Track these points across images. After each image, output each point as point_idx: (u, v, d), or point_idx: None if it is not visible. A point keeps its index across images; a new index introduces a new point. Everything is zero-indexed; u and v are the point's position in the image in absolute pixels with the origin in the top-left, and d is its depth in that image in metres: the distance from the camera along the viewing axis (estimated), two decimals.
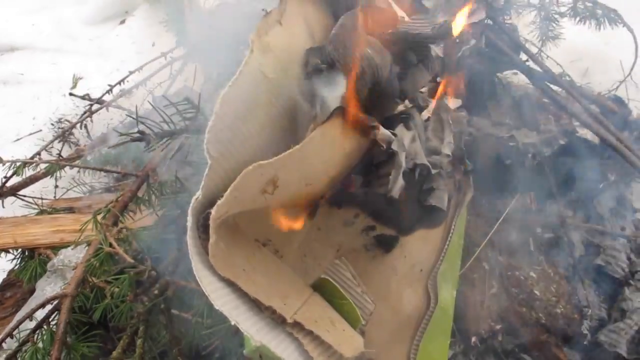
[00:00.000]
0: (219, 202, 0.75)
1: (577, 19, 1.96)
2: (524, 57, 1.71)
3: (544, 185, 1.66)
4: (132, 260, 1.17)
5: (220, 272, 0.78)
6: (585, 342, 1.53)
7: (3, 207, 1.82)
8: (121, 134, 1.25)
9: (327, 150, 0.96)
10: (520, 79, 2.35)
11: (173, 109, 1.29)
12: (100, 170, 1.48)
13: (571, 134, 1.69)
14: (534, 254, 1.59)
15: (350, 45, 0.98)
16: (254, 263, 0.89)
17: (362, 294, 1.01)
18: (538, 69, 1.69)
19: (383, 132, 1.00)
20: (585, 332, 1.60)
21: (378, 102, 1.07)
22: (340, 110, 0.94)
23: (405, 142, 1.07)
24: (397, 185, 1.05)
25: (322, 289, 0.98)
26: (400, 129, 1.07)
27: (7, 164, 1.71)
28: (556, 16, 1.98)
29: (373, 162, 1.09)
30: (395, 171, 1.04)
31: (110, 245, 1.20)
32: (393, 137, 1.02)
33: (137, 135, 1.25)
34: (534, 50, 2.05)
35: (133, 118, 1.29)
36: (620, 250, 1.76)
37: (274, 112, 0.92)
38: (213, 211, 0.75)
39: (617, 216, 1.84)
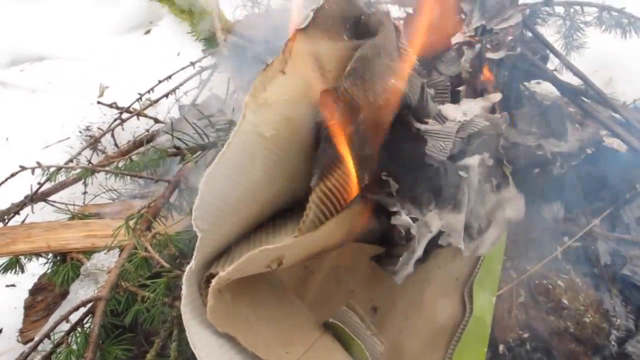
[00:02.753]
0: (220, 273, 0.75)
1: (603, 27, 1.97)
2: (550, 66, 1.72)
3: (572, 194, 1.66)
4: (167, 265, 1.19)
5: (220, 328, 0.79)
6: (613, 353, 1.52)
7: (33, 212, 1.86)
8: (157, 150, 1.29)
9: (340, 234, 0.94)
10: (543, 88, 2.35)
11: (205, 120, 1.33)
12: (135, 176, 1.51)
13: (598, 144, 1.69)
14: (561, 262, 1.59)
15: (371, 78, 0.93)
16: (261, 310, 0.89)
17: (372, 337, 0.99)
18: (565, 78, 1.70)
19: (403, 219, 0.96)
20: (613, 342, 1.59)
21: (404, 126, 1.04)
22: (360, 199, 0.91)
23: (434, 226, 1.02)
24: (403, 272, 1.00)
25: (333, 330, 0.99)
26: (430, 216, 1.02)
27: (39, 170, 1.76)
28: (581, 25, 1.98)
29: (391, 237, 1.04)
30: (406, 256, 0.99)
31: (146, 249, 1.22)
32: (412, 223, 0.97)
33: (173, 150, 1.28)
34: (557, 61, 2.06)
35: (167, 133, 1.33)
36: None
37: (271, 165, 0.87)
38: (214, 281, 0.75)
39: None
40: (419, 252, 1.00)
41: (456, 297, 1.18)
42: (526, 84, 1.84)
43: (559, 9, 1.97)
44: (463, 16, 1.60)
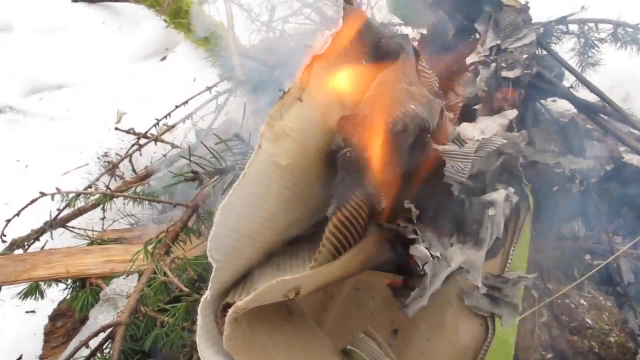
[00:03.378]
0: (238, 303, 0.75)
1: (618, 44, 1.96)
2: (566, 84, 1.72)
3: (592, 212, 1.64)
4: (187, 289, 1.19)
5: (237, 357, 0.77)
6: None
7: (52, 238, 1.88)
8: (175, 175, 1.30)
9: (357, 265, 0.93)
10: (559, 105, 2.34)
11: (222, 144, 1.34)
12: (153, 201, 1.52)
13: (617, 160, 1.67)
14: (583, 281, 1.57)
15: (391, 104, 0.92)
16: (279, 337, 0.88)
17: None
18: (581, 95, 1.70)
19: (421, 251, 0.94)
20: None
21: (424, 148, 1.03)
22: (376, 229, 0.90)
23: (455, 261, 1.00)
24: (416, 306, 0.98)
25: (351, 357, 0.97)
26: (452, 250, 1.01)
27: (58, 197, 1.78)
28: (596, 42, 1.98)
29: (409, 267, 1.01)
30: (418, 292, 0.97)
31: (165, 274, 1.22)
32: (430, 258, 0.94)
33: (191, 175, 1.29)
34: (573, 78, 2.05)
35: (185, 158, 1.34)
36: None
37: (288, 194, 0.85)
38: (231, 311, 0.75)
39: None
40: (437, 286, 0.98)
41: (479, 318, 1.16)
42: (542, 102, 1.83)
43: (573, 27, 1.96)
44: (477, 36, 1.60)
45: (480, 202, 1.03)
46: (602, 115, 1.65)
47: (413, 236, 0.93)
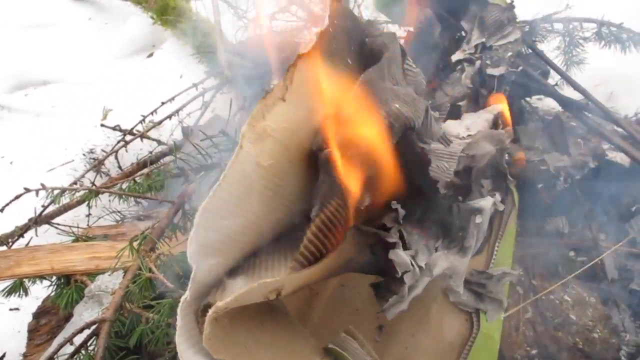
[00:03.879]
0: (218, 303, 0.74)
1: (602, 43, 1.98)
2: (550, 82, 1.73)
3: (576, 209, 1.66)
4: (172, 286, 1.19)
5: (216, 355, 0.77)
6: None
7: (37, 235, 1.86)
8: (161, 171, 1.29)
9: (337, 267, 0.93)
10: (544, 103, 2.36)
11: (208, 140, 1.33)
12: (139, 197, 1.51)
13: (601, 157, 1.69)
14: (567, 277, 1.58)
15: (375, 103, 0.91)
16: (260, 335, 0.88)
17: None
18: (565, 93, 1.71)
19: (400, 257, 0.92)
20: (623, 358, 1.57)
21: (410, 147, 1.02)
22: (355, 230, 0.89)
23: (438, 267, 0.99)
24: (394, 310, 0.97)
25: (333, 355, 0.97)
26: (436, 256, 1.00)
27: (43, 193, 1.76)
28: (581, 41, 2.00)
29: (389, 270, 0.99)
30: (397, 298, 0.96)
31: (150, 270, 1.22)
32: (410, 266, 0.93)
33: (177, 171, 1.29)
34: (558, 76, 2.07)
35: (171, 154, 1.33)
36: None
37: (269, 194, 0.85)
38: (211, 310, 0.74)
39: None
40: (417, 292, 0.97)
41: (462, 315, 1.16)
42: (527, 99, 1.85)
43: (558, 26, 1.98)
44: (463, 34, 1.61)
45: (467, 208, 1.03)
46: (586, 113, 1.66)
47: (393, 239, 0.92)
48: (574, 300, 1.53)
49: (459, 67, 1.41)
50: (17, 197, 1.65)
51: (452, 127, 1.13)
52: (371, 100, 0.92)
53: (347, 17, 0.93)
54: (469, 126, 1.16)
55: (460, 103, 1.26)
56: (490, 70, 1.37)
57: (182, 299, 0.77)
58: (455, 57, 1.43)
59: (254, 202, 0.82)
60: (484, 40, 1.43)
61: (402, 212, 0.95)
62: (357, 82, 0.92)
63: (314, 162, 0.87)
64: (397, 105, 0.92)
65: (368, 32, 1.00)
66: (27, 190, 1.58)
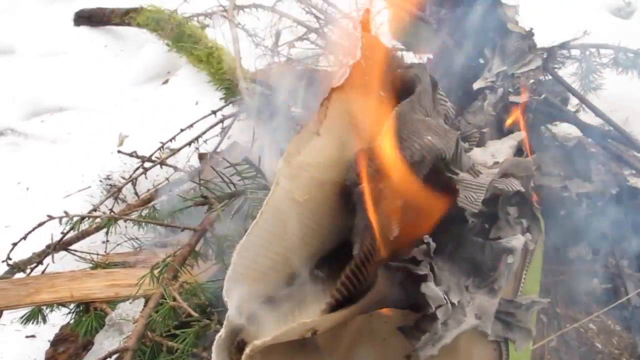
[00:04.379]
0: (256, 342, 0.74)
1: (619, 69, 1.98)
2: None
3: (599, 235, 1.64)
4: (196, 314, 1.18)
5: None
6: None
7: (54, 262, 1.86)
8: (185, 199, 1.30)
9: (373, 303, 0.93)
10: (560, 129, 2.36)
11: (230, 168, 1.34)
12: (160, 224, 1.51)
13: (622, 183, 1.68)
14: (591, 305, 1.56)
15: (408, 136, 0.91)
16: None
17: None
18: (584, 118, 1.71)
19: (433, 290, 0.90)
20: None
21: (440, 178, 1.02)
22: (384, 265, 0.88)
23: (468, 320, 0.98)
24: (425, 352, 0.94)
25: None
26: (466, 300, 0.99)
27: (63, 220, 1.77)
28: (598, 67, 2.00)
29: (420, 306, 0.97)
30: (429, 336, 0.93)
31: (174, 299, 1.21)
32: (443, 300, 0.90)
33: (201, 199, 1.29)
34: (575, 101, 2.07)
35: (194, 182, 1.33)
36: None
37: (305, 230, 0.85)
38: (248, 349, 0.74)
39: None
40: (447, 340, 0.95)
41: (492, 343, 1.14)
42: (547, 125, 1.85)
43: (575, 52, 1.99)
44: (481, 61, 1.62)
45: (499, 247, 1.02)
46: (608, 139, 1.66)
47: (424, 272, 0.91)
48: (599, 329, 1.51)
49: (480, 95, 1.42)
50: (40, 225, 1.65)
51: (478, 155, 1.13)
52: (404, 133, 0.91)
53: (379, 49, 0.94)
54: (494, 153, 1.16)
55: (484, 130, 1.26)
56: (512, 98, 1.38)
57: (217, 337, 0.76)
58: (477, 85, 1.44)
59: (289, 238, 0.82)
60: (505, 68, 1.44)
61: (433, 245, 0.94)
62: (390, 116, 0.91)
63: (348, 196, 0.87)
64: (429, 137, 0.91)
65: (400, 63, 1.01)
66: (51, 217, 1.59)
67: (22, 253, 1.87)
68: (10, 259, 1.73)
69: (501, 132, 1.32)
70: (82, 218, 1.67)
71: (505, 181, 1.07)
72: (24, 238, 1.70)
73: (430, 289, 0.89)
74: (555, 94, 1.66)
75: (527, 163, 1.12)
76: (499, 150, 1.14)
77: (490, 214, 1.08)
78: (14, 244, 1.73)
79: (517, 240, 1.02)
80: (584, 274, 1.66)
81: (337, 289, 0.81)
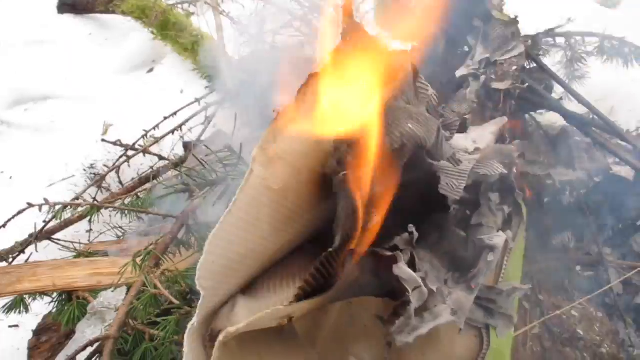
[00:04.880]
0: (229, 329, 0.73)
1: (604, 57, 1.99)
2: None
3: (582, 223, 1.65)
4: (177, 302, 1.17)
5: None
6: None
7: (37, 251, 1.84)
8: (166, 186, 1.29)
9: (347, 291, 0.92)
10: (545, 118, 2.37)
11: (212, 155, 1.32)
12: (143, 212, 1.50)
13: (605, 172, 1.69)
14: (574, 292, 1.57)
15: (390, 123, 0.90)
16: (268, 357, 0.86)
17: None
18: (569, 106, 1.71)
19: (406, 272, 0.88)
20: None
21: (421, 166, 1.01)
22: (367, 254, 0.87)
23: (443, 315, 0.94)
24: (401, 337, 0.92)
25: None
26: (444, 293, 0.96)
27: (44, 208, 1.75)
28: (583, 55, 2.01)
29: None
30: (402, 321, 0.91)
31: (155, 286, 1.20)
32: (419, 281, 0.88)
33: (182, 187, 1.28)
34: (560, 90, 2.07)
35: (176, 170, 1.32)
36: None
37: (279, 218, 0.83)
38: (221, 336, 0.73)
39: None
40: (423, 331, 0.93)
41: (473, 330, 1.14)
42: (531, 114, 1.85)
43: (560, 40, 1.99)
44: (466, 48, 1.62)
45: (481, 244, 1.02)
46: (592, 128, 1.66)
47: (391, 253, 0.89)
48: (581, 316, 1.52)
49: (465, 83, 1.41)
50: (20, 212, 1.63)
51: (460, 140, 1.13)
52: (385, 120, 0.90)
53: (361, 35, 0.92)
54: (475, 139, 1.16)
55: (467, 116, 1.26)
56: (495, 85, 1.37)
57: (189, 325, 0.75)
58: (459, 73, 1.43)
59: (263, 226, 0.81)
60: (488, 55, 1.43)
61: (416, 234, 0.93)
62: (371, 103, 0.89)
63: (325, 184, 0.85)
64: (410, 125, 0.90)
65: (382, 50, 0.99)
66: (30, 205, 1.57)
67: (4, 242, 1.85)
68: None
69: (484, 119, 1.31)
70: (65, 206, 1.66)
71: (487, 165, 1.06)
72: (4, 226, 1.68)
73: (402, 270, 0.88)
74: (539, 82, 1.66)
75: (509, 150, 1.11)
76: (481, 137, 1.14)
77: (472, 201, 1.08)
78: None
79: (498, 238, 1.02)
80: (566, 261, 1.67)
81: (306, 280, 0.80)
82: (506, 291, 1.12)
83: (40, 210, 1.63)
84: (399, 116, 0.92)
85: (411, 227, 0.94)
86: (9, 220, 1.68)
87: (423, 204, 0.97)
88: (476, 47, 1.48)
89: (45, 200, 1.58)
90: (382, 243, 0.95)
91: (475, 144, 1.12)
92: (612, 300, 1.68)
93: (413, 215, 0.97)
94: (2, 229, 1.72)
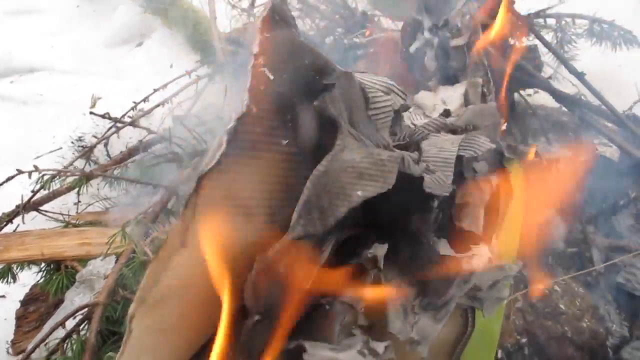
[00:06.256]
0: None
1: (594, 40, 2.00)
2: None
3: (567, 201, 1.68)
4: None
5: None
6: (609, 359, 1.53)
7: (24, 222, 1.84)
8: (156, 156, 1.29)
9: None
10: (534, 99, 2.39)
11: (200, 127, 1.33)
12: (133, 181, 1.50)
13: (592, 152, 1.71)
14: (557, 268, 1.60)
15: (328, 204, 0.70)
16: None
17: None
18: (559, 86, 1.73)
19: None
20: (609, 349, 1.59)
21: None
22: None
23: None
24: None
25: None
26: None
27: (32, 179, 1.74)
28: (573, 37, 2.02)
29: None
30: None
31: (144, 253, 1.21)
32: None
33: (171, 156, 1.28)
34: (550, 71, 2.09)
35: (164, 138, 1.32)
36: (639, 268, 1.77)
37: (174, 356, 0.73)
38: None
39: (637, 234, 1.84)
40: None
41: (457, 311, 1.08)
42: (521, 92, 1.87)
43: (551, 22, 2.00)
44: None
45: (455, 267, 0.89)
46: (581, 107, 1.68)
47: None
48: (563, 291, 1.55)
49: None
50: (9, 179, 1.63)
51: (427, 99, 1.09)
52: (323, 201, 0.71)
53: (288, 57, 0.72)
54: (445, 99, 1.12)
55: (430, 83, 1.22)
56: (455, 42, 1.33)
57: None
58: (412, 48, 1.41)
59: None
60: (434, 22, 1.39)
61: (381, 256, 0.78)
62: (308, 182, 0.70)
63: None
64: (359, 192, 0.73)
65: (319, 69, 0.76)
66: (20, 171, 1.57)
67: None
68: None
69: (449, 82, 1.27)
70: (54, 175, 1.65)
71: (472, 144, 0.96)
72: None
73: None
74: (531, 60, 1.67)
75: (491, 109, 1.04)
76: (451, 97, 1.11)
77: (455, 174, 0.94)
78: None
79: (478, 260, 0.90)
80: (550, 238, 1.70)
81: None
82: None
83: (29, 177, 1.62)
84: (344, 184, 0.73)
85: (377, 248, 0.80)
86: None
87: (401, 207, 0.84)
88: (423, 21, 1.44)
89: (35, 167, 1.57)
90: (349, 256, 0.82)
91: (444, 104, 1.07)
92: (594, 279, 1.72)
93: (389, 219, 0.84)
94: None
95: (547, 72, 1.97)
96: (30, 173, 1.57)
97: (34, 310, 1.76)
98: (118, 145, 2.37)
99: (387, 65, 1.64)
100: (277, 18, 0.73)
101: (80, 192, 1.87)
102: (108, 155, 2.28)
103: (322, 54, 0.76)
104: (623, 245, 1.76)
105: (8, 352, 1.78)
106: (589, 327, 1.49)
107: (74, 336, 1.31)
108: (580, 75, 1.65)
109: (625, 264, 1.76)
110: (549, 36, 2.03)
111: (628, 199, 1.81)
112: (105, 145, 2.23)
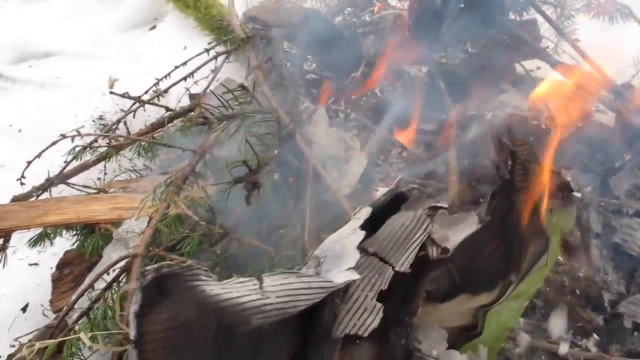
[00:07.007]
0: None
1: (592, 14, 2.10)
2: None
3: (565, 163, 1.78)
4: (199, 220, 1.29)
5: None
6: (604, 306, 1.64)
7: (51, 196, 1.93)
8: (186, 119, 1.39)
9: None
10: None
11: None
12: (164, 145, 1.61)
13: (587, 118, 1.81)
14: None
15: None
16: None
17: None
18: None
19: None
20: (606, 304, 1.69)
21: None
22: None
23: None
24: None
25: None
26: None
27: (60, 155, 1.85)
28: (572, 12, 2.12)
29: None
30: None
31: (179, 207, 1.32)
32: None
33: (201, 119, 1.39)
34: (551, 45, 2.19)
35: (196, 104, 1.42)
36: (636, 229, 1.86)
37: None
38: None
39: (632, 197, 1.94)
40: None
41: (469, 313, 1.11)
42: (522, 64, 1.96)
43: None
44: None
45: None
46: None
47: None
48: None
49: None
50: (54, 143, 1.74)
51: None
52: None
53: None
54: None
55: None
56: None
57: None
58: None
59: None
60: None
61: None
62: None
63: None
64: None
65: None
66: (63, 136, 1.68)
67: (18, 189, 1.93)
68: (24, 177, 1.81)
69: None
70: (93, 141, 1.75)
71: None
72: (38, 156, 1.79)
73: None
74: (529, 32, 1.77)
75: None
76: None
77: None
78: (29, 162, 1.81)
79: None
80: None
81: None
82: None
83: (72, 141, 1.73)
84: None
85: None
86: (45, 150, 1.79)
87: None
88: None
89: (77, 131, 1.68)
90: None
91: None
92: (589, 240, 1.81)
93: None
94: (38, 159, 1.81)
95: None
96: (73, 137, 1.68)
97: (69, 273, 1.87)
98: (137, 124, 2.48)
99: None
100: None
101: (110, 161, 1.97)
102: (128, 132, 2.39)
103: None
104: (619, 203, 1.85)
105: (44, 314, 1.90)
106: (585, 277, 1.61)
107: (115, 287, 1.42)
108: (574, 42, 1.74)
109: (621, 224, 1.87)
110: (548, 11, 2.12)
111: (623, 161, 1.90)
112: (125, 123, 2.34)
